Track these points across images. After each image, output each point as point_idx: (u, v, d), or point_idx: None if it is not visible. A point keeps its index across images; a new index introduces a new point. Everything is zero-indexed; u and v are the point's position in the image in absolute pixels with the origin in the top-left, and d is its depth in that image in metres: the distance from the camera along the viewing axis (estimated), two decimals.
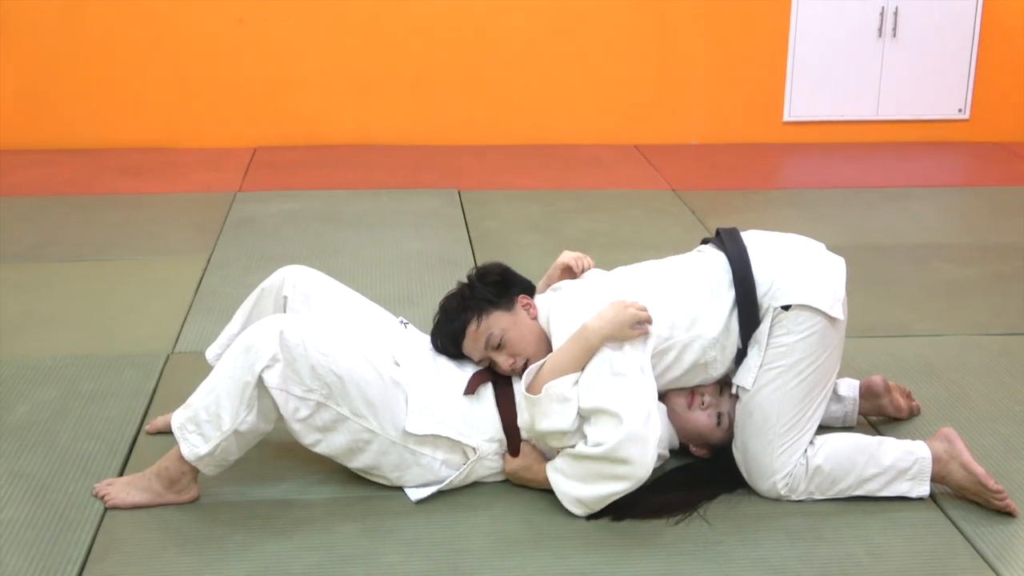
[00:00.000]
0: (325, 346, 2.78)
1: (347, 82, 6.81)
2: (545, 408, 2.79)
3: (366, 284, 4.31)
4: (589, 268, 3.16)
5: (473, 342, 2.97)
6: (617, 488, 2.75)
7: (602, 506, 2.80)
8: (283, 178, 6.16)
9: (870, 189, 6.07)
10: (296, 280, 3.14)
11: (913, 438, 2.99)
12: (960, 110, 7.10)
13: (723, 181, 6.23)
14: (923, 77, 7.00)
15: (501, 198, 5.80)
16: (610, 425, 2.71)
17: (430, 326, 3.10)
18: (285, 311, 3.10)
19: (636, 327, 2.78)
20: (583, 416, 2.78)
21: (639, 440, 2.70)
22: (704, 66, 6.97)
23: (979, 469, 2.86)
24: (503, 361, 2.95)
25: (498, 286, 3.02)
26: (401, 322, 3.22)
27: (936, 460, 2.90)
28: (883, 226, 5.42)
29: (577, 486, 2.80)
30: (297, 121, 6.85)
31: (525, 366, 2.93)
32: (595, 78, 6.93)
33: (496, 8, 6.78)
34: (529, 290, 3.09)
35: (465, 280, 3.09)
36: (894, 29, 6.89)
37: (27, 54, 6.57)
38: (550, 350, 2.93)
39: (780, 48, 6.91)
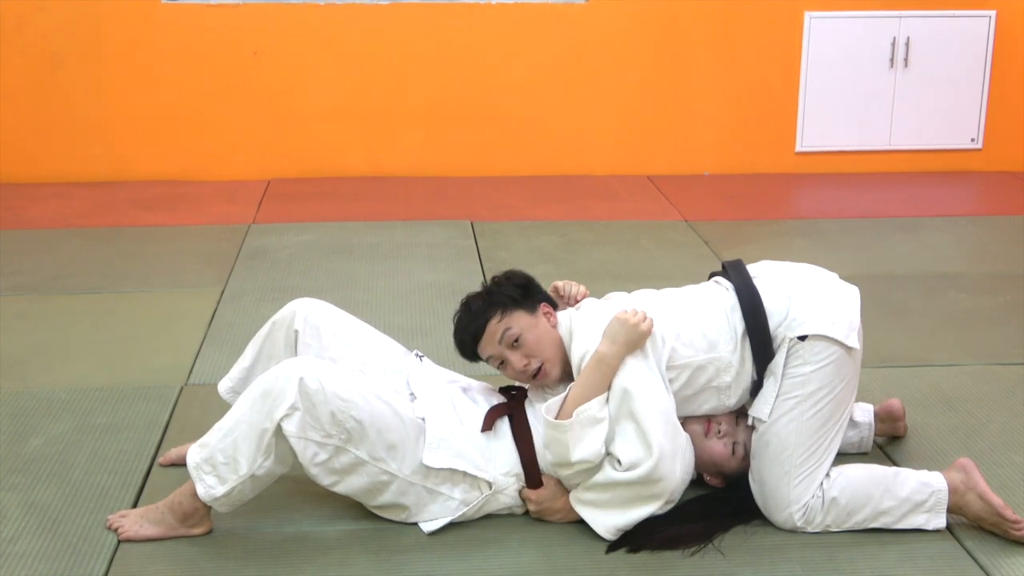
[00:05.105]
0: (344, 391, 2.76)
1: (360, 114, 6.84)
2: (578, 433, 2.80)
3: (379, 316, 4.31)
4: (578, 294, 3.16)
5: (491, 337, 2.96)
6: (652, 507, 2.82)
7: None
8: (297, 210, 6.19)
9: (883, 219, 6.06)
10: (307, 313, 3.13)
11: (930, 469, 2.97)
12: (972, 139, 7.09)
13: (736, 211, 6.23)
14: (935, 107, 7.00)
15: (514, 229, 5.81)
16: (640, 445, 2.76)
17: (444, 357, 3.08)
18: (296, 345, 3.10)
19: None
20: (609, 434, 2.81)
21: (669, 456, 2.78)
22: (716, 97, 6.98)
23: (996, 499, 2.85)
24: (516, 360, 2.94)
25: (523, 288, 3.03)
26: (416, 355, 3.21)
27: (953, 491, 2.88)
28: (897, 256, 5.41)
29: (613, 514, 2.84)
30: (310, 153, 6.88)
31: (538, 371, 2.94)
32: (608, 109, 6.95)
33: (509, 40, 6.81)
34: (552, 304, 3.09)
35: (491, 282, 3.08)
36: (906, 59, 6.90)
37: (43, 88, 6.61)
38: (566, 361, 2.95)
39: (792, 78, 6.93)
